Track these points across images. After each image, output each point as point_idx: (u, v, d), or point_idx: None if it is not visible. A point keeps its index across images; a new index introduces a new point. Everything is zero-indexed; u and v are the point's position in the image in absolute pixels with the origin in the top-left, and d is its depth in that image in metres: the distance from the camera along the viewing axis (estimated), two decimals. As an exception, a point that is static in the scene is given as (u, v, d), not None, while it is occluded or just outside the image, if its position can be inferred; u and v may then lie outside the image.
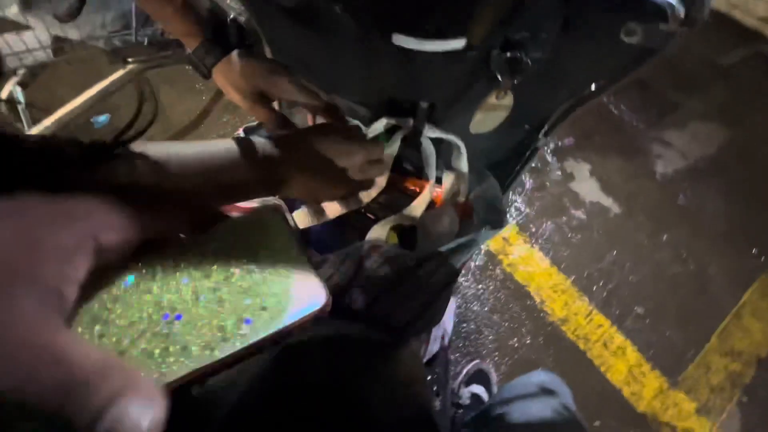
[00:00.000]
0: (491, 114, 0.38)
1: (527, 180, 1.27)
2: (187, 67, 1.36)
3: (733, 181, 1.32)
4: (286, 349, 0.28)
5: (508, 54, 0.31)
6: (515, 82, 0.33)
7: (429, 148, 0.45)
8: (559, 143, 1.35)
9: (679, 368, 1.01)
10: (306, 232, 0.44)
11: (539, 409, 0.34)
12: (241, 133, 0.45)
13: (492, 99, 0.36)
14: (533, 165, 1.30)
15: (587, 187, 1.28)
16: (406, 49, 0.29)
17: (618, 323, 1.06)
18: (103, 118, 1.18)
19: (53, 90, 1.20)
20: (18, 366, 0.11)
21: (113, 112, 1.20)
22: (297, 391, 0.27)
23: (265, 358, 0.28)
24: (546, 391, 0.37)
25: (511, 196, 1.24)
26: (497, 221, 0.44)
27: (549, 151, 1.34)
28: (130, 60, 0.89)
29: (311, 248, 0.43)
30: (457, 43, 0.29)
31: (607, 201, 1.26)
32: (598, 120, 1.41)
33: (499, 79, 0.33)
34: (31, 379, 0.11)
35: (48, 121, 0.93)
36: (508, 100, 0.36)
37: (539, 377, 0.41)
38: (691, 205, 1.27)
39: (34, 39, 0.79)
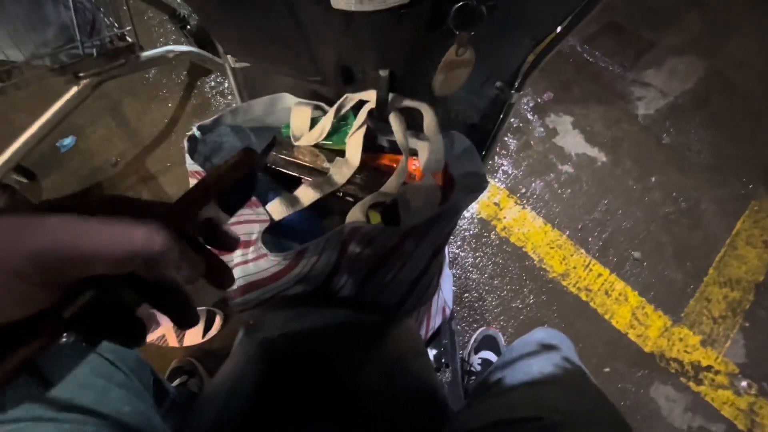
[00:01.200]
0: (454, 73, 0.36)
1: (511, 141, 1.25)
2: (146, 75, 1.31)
3: (715, 113, 1.32)
4: (269, 345, 0.27)
5: (459, 3, 0.29)
6: (472, 33, 0.31)
7: (397, 120, 0.43)
8: (539, 99, 1.33)
9: (681, 305, 1.03)
10: (281, 222, 0.43)
11: (540, 366, 0.33)
12: (195, 131, 0.43)
13: (451, 56, 0.34)
14: (515, 125, 1.28)
15: (571, 140, 1.27)
16: (348, 13, 0.27)
17: (617, 270, 1.07)
18: (68, 141, 1.14)
19: (10, 119, 1.15)
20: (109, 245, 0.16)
21: (78, 133, 1.16)
22: (287, 384, 0.26)
23: (249, 357, 0.27)
24: (546, 347, 0.37)
25: (497, 159, 1.22)
26: (477, 184, 0.43)
27: (529, 108, 1.31)
28: (81, 75, 0.85)
29: (290, 238, 0.42)
30: (401, -3, 0.27)
31: (592, 151, 1.25)
32: (575, 70, 1.38)
33: (455, 32, 0.31)
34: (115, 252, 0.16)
35: (8, 153, 0.89)
36: (469, 54, 0.34)
37: (539, 335, 0.41)
38: (676, 143, 1.27)
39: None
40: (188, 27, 1.19)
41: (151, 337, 0.88)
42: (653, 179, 1.20)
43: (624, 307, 1.03)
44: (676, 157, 1.24)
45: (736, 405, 0.92)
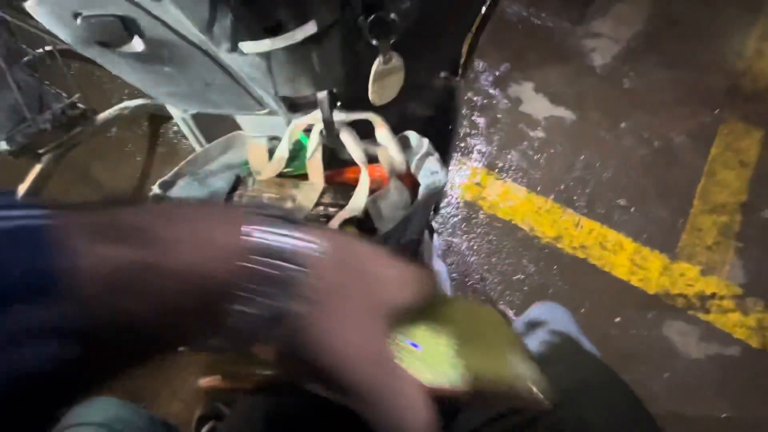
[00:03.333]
0: (387, 80, 0.37)
1: (479, 119, 1.26)
2: (108, 134, 1.30)
3: (669, 49, 1.33)
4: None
5: (371, 17, 0.29)
6: (392, 42, 0.32)
7: (347, 135, 0.44)
8: (497, 72, 1.34)
9: (674, 241, 1.05)
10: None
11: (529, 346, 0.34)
12: (156, 189, 0.43)
13: (379, 66, 0.35)
14: (480, 103, 1.29)
15: (536, 105, 1.28)
16: (267, 52, 0.28)
17: (606, 221, 1.09)
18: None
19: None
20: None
21: (54, 207, 1.16)
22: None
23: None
24: (532, 326, 0.37)
25: (469, 140, 1.23)
26: (438, 180, 0.44)
27: (489, 84, 1.32)
28: (41, 151, 0.85)
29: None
30: (310, 28, 0.27)
31: (559, 111, 1.26)
32: (525, 36, 1.39)
33: (375, 44, 0.32)
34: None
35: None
36: (396, 61, 0.35)
37: (528, 316, 0.42)
38: (637, 86, 1.28)
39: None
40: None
41: None
42: (623, 125, 1.22)
43: (621, 256, 1.04)
44: (640, 99, 1.25)
45: (747, 325, 0.94)
